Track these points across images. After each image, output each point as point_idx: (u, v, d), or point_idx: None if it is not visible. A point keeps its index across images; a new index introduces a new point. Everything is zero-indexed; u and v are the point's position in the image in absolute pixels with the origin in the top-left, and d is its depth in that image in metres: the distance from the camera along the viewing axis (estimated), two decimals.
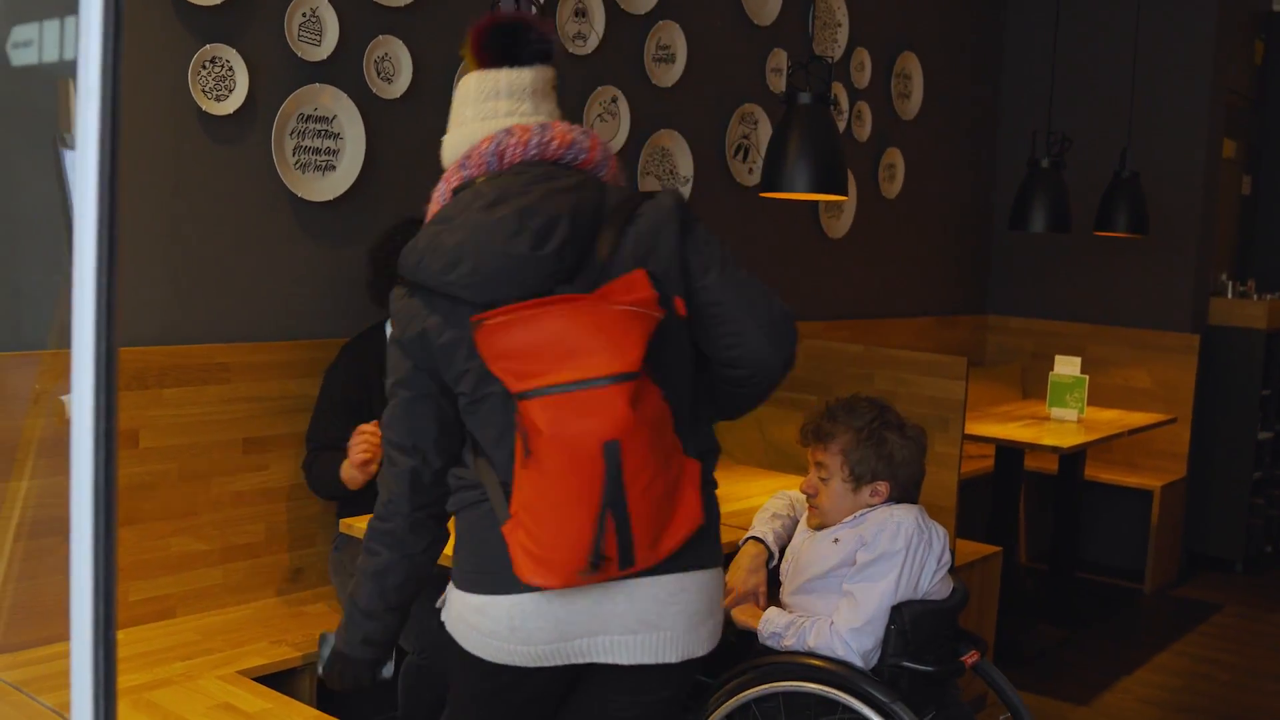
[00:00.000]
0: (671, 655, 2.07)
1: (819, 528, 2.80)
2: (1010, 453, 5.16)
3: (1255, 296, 6.49)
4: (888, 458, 2.69)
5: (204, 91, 3.22)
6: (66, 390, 2.46)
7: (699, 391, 2.11)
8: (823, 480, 2.76)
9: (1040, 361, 6.41)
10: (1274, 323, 6.33)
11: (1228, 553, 6.35)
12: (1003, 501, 5.20)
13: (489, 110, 2.16)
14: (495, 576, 2.02)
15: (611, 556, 1.91)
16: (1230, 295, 6.45)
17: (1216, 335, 6.28)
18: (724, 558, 2.18)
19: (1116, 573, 6.17)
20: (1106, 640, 5.25)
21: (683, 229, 2.05)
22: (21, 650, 2.91)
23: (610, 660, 2.07)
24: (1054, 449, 4.94)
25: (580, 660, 2.08)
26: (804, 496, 2.93)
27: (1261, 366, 6.25)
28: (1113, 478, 6.03)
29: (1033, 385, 6.49)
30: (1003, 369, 6.54)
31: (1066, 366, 5.45)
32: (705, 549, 2.09)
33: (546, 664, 2.06)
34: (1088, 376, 5.42)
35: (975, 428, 5.03)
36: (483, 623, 2.05)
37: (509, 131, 2.11)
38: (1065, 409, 5.39)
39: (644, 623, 2.04)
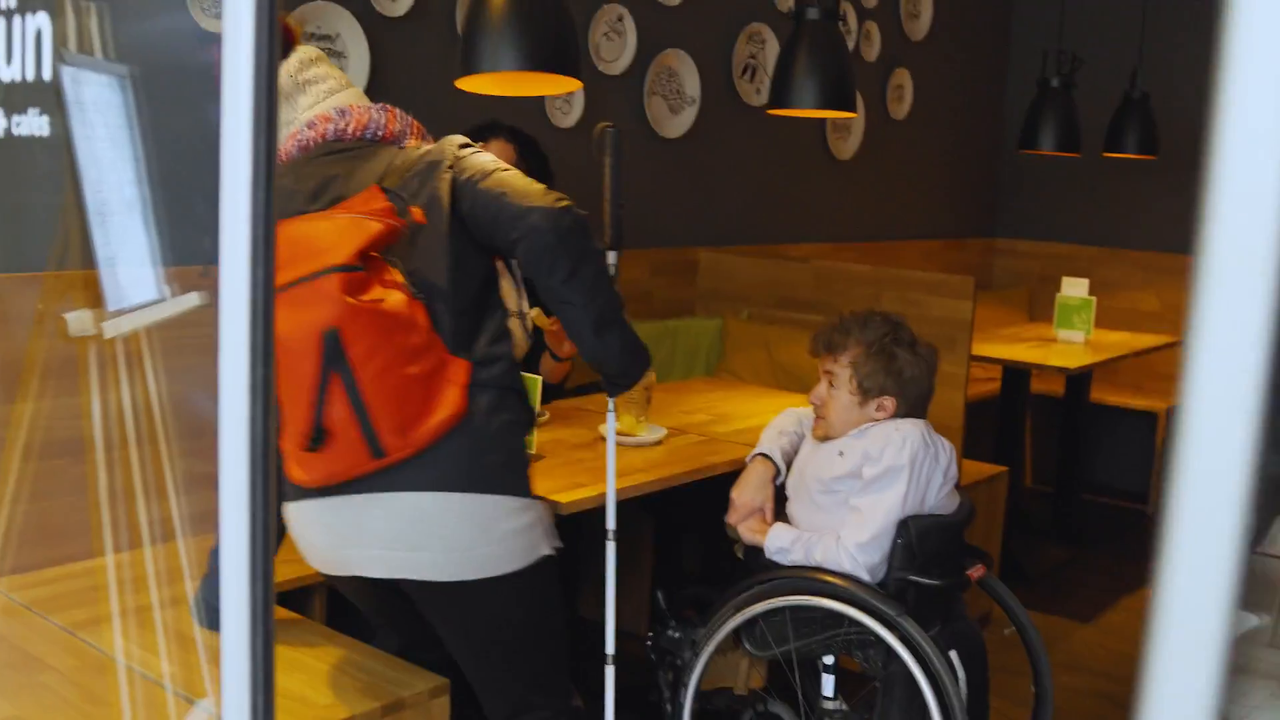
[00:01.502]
0: (431, 574, 2.15)
1: (824, 439, 2.80)
2: (1016, 373, 5.15)
3: None
4: (896, 373, 2.69)
5: (203, 9, 3.19)
6: (69, 309, 2.45)
7: (478, 300, 2.23)
8: (831, 390, 2.76)
9: (1048, 285, 6.39)
10: None
11: None
12: (1009, 422, 5.20)
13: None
14: (283, 483, 2.17)
15: (341, 435, 2.03)
16: None
17: None
18: (524, 487, 2.21)
19: (1121, 494, 6.18)
20: (1110, 560, 5.28)
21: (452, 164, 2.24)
22: (32, 571, 2.93)
23: (369, 574, 2.19)
24: (1060, 369, 4.93)
25: (350, 572, 2.21)
26: (812, 412, 2.93)
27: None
28: (1119, 400, 6.02)
29: (1040, 308, 6.47)
30: (1010, 292, 6.51)
31: (1074, 288, 5.43)
32: (480, 472, 2.15)
33: (333, 573, 2.23)
34: (1095, 298, 5.39)
35: (983, 349, 5.02)
36: (290, 530, 2.24)
37: (310, 125, 2.33)
38: (1072, 330, 5.38)
39: (400, 539, 2.14)
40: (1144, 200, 6.27)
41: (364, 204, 2.13)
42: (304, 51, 2.42)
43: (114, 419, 2.23)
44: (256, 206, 0.70)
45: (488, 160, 2.26)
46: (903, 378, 2.69)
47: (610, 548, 2.56)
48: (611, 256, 2.48)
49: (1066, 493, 5.53)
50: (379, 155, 2.29)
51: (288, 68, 2.39)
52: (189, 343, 2.35)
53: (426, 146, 2.31)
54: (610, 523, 2.54)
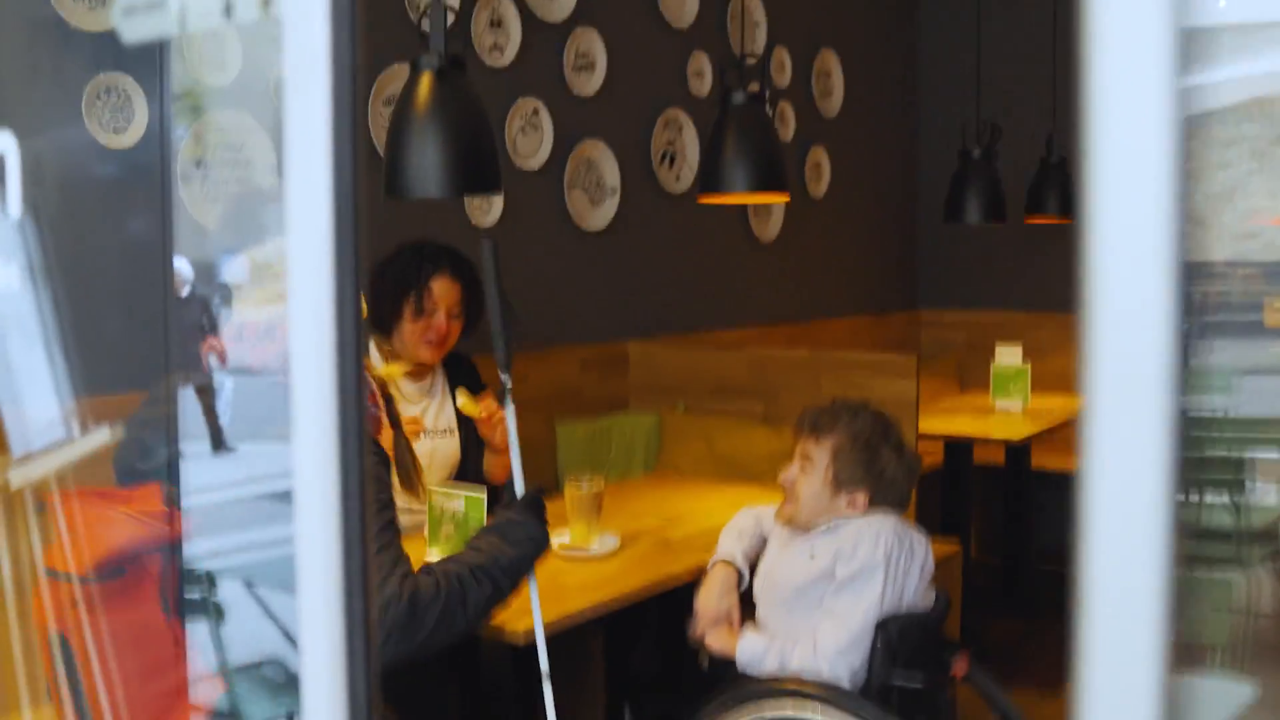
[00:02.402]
0: None
1: (787, 521, 2.66)
2: (959, 448, 5.07)
3: None
4: (877, 474, 2.56)
5: (101, 125, 3.02)
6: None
7: None
8: (803, 474, 2.62)
9: (976, 353, 6.34)
10: None
11: None
12: (954, 497, 5.11)
13: None
14: None
15: None
16: None
17: None
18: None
19: (1068, 559, 6.08)
20: (1067, 628, 5.17)
21: None
22: None
23: None
24: (1004, 442, 4.86)
25: None
26: (771, 511, 2.79)
27: None
28: (1060, 464, 5.96)
29: (970, 377, 6.41)
30: (939, 363, 6.45)
31: (1008, 356, 5.38)
32: None
33: None
34: (1030, 365, 5.34)
35: (922, 424, 4.93)
36: None
37: None
38: (1010, 399, 5.32)
39: None
40: (1065, 261, 6.23)
41: (131, 498, 1.95)
42: None
43: (26, 572, 2.04)
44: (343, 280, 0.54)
45: None
46: (882, 478, 2.57)
47: (546, 688, 2.35)
48: (506, 380, 2.34)
49: (1016, 563, 5.44)
50: None
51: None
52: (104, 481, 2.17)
53: None
54: (543, 664, 2.32)
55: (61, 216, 3.01)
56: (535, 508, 2.22)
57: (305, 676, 0.53)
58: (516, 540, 2.15)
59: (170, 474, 2.01)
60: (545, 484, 4.18)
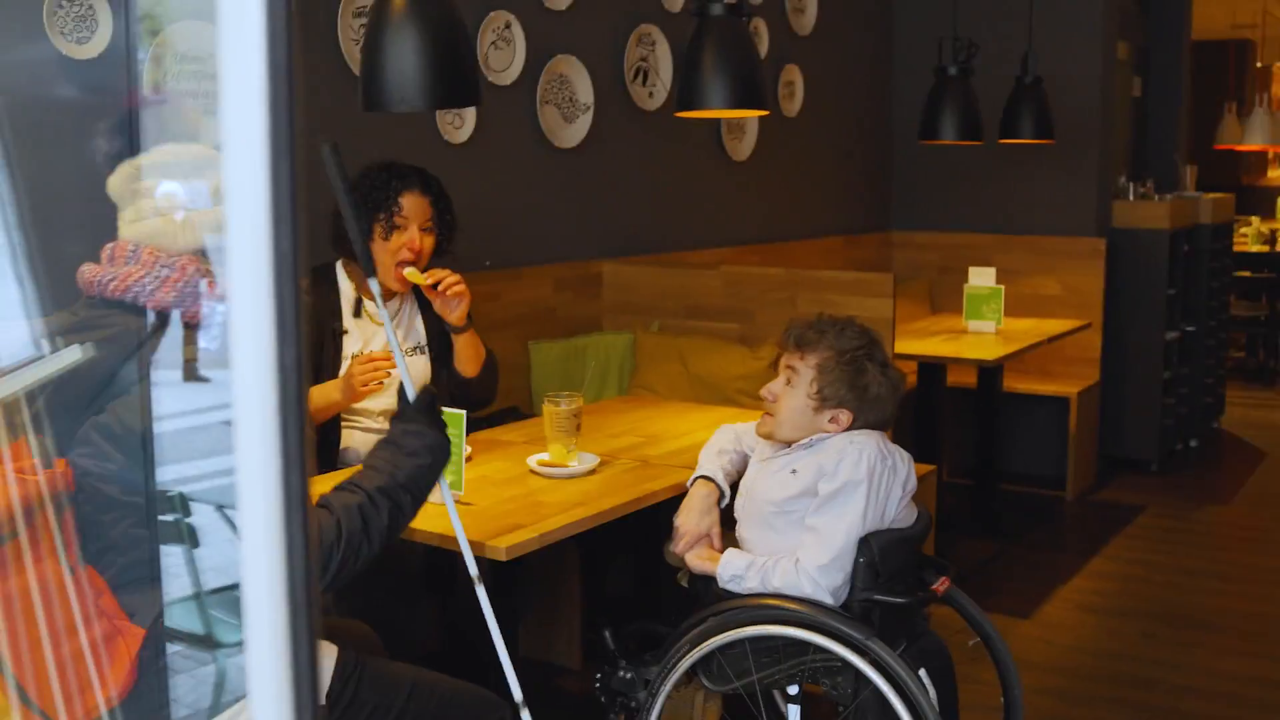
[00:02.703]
0: None
1: (767, 435, 2.63)
2: (932, 369, 5.06)
3: (1155, 197, 6.47)
4: (861, 389, 2.53)
5: (63, 33, 2.92)
6: None
7: None
8: (787, 387, 2.58)
9: (948, 275, 6.33)
10: (1176, 222, 6.32)
11: (1143, 454, 6.36)
12: (927, 418, 5.11)
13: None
14: None
15: None
16: (1132, 197, 6.41)
17: (1121, 238, 6.24)
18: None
19: (1036, 481, 6.14)
20: (1036, 551, 5.22)
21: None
22: None
23: None
24: (978, 362, 4.86)
25: None
26: (751, 429, 2.77)
27: (1166, 267, 6.24)
28: (1029, 387, 5.98)
29: (942, 299, 6.40)
30: (911, 284, 6.44)
31: (981, 278, 5.36)
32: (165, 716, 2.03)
33: None
34: (1003, 287, 5.33)
35: (896, 346, 4.92)
36: None
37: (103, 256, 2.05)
38: (983, 321, 5.31)
39: None
40: (1038, 184, 6.24)
41: (15, 457, 1.86)
42: (162, 152, 2.09)
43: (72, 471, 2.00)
44: (281, 257, 0.50)
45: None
46: (866, 395, 2.53)
47: (481, 591, 2.33)
48: (374, 285, 2.28)
49: (986, 485, 5.46)
50: (129, 336, 1.96)
51: (124, 169, 2.07)
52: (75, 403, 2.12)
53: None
54: (472, 569, 2.31)
55: (22, 130, 2.92)
56: (429, 412, 2.11)
57: (246, 598, 0.50)
58: (413, 451, 2.05)
59: (36, 425, 1.96)
60: (519, 404, 4.16)
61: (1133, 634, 4.26)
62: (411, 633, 2.86)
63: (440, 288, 3.10)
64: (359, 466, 2.09)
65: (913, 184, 6.67)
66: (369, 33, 2.55)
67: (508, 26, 4.16)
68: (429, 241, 3.17)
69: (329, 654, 2.16)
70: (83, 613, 1.89)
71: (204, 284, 1.99)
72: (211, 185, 2.12)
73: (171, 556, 2.00)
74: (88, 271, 2.03)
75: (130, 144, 2.18)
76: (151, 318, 1.97)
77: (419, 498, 2.06)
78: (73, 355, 1.93)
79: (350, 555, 1.93)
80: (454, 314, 3.16)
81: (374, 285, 2.17)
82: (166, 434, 1.96)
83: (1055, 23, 5.98)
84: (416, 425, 2.11)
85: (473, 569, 2.27)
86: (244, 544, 0.50)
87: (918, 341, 5.12)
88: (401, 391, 2.15)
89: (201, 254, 2.07)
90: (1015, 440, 6.28)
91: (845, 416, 2.54)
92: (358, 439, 3.18)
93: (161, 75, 3.12)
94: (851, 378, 2.52)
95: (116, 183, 2.08)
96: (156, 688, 1.96)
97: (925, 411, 5.11)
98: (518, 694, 2.14)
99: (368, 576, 2.83)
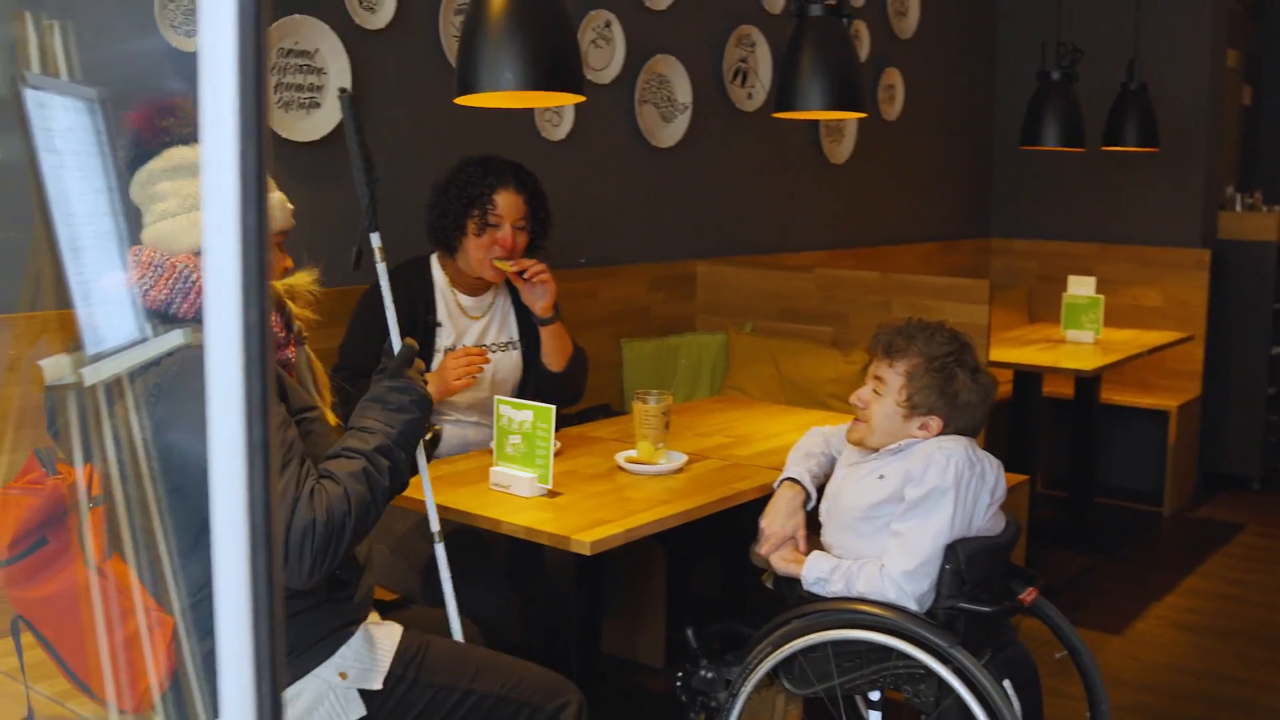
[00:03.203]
0: None
1: (858, 442, 2.62)
2: (1028, 378, 4.99)
3: (1264, 208, 6.32)
4: (951, 396, 2.50)
5: (173, 26, 3.00)
6: (44, 354, 2.25)
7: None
8: (876, 395, 2.57)
9: (1046, 284, 6.24)
10: None
11: (1245, 470, 6.21)
12: (1022, 428, 5.04)
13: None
14: None
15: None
16: (1239, 208, 6.27)
17: (1227, 250, 6.10)
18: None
19: (1134, 496, 6.03)
20: (1130, 566, 5.12)
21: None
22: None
23: None
24: (1074, 372, 4.78)
25: None
26: (840, 431, 2.75)
27: (1273, 280, 6.09)
28: (1128, 399, 5.88)
29: (1040, 308, 6.32)
30: (1009, 292, 6.36)
31: (1081, 287, 5.28)
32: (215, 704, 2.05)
33: None
34: (1103, 296, 5.25)
35: (991, 353, 4.87)
36: None
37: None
38: (1081, 330, 5.23)
39: None
40: (1144, 194, 6.13)
41: (22, 474, 1.94)
42: (166, 159, 2.09)
43: (98, 472, 2.05)
44: (246, 231, 0.53)
45: (190, 444, 1.92)
46: (956, 401, 2.50)
47: (439, 549, 2.46)
48: (375, 239, 2.27)
49: (1081, 497, 5.37)
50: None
51: (139, 175, 2.10)
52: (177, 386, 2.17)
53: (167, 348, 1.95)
54: (434, 525, 2.46)
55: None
56: (409, 364, 2.18)
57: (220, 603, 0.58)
58: (401, 406, 2.12)
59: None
60: (610, 401, 4.18)
61: (1227, 654, 4.16)
62: (494, 623, 2.89)
63: (526, 275, 3.14)
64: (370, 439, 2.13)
65: (1013, 190, 6.59)
66: (469, 16, 2.54)
67: (608, 25, 4.18)
68: (522, 239, 3.20)
69: (392, 634, 2.19)
70: (120, 604, 1.94)
71: (196, 278, 2.03)
72: (175, 197, 2.14)
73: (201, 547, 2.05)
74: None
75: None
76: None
77: (411, 453, 2.12)
78: (174, 340, 1.98)
79: (360, 521, 1.97)
80: (539, 303, 3.19)
81: (374, 240, 2.22)
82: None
83: (1162, 29, 5.87)
84: (401, 380, 2.17)
85: (434, 524, 2.42)
86: (213, 488, 0.54)
87: (1014, 350, 5.06)
88: (387, 349, 2.23)
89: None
90: (1113, 453, 6.17)
91: (935, 423, 2.52)
92: (448, 433, 3.21)
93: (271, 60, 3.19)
94: (941, 385, 2.49)
95: (135, 189, 2.10)
96: (196, 674, 2.02)
97: (1020, 421, 5.04)
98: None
99: (453, 567, 2.88)
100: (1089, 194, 6.31)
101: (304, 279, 2.29)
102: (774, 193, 5.11)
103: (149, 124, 2.12)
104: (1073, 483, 5.41)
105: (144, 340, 1.98)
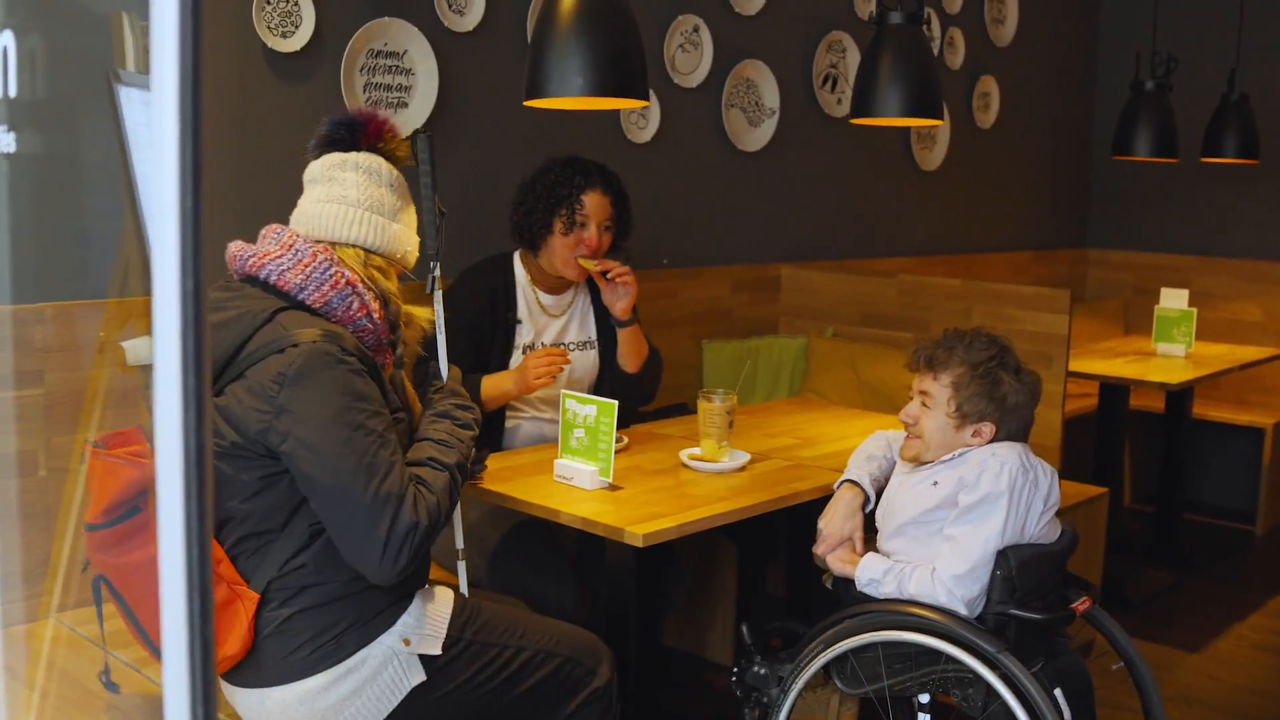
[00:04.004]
0: None
1: (913, 459, 2.64)
2: (1115, 390, 4.94)
3: None
4: (1000, 400, 2.52)
5: (269, 28, 3.12)
6: (127, 336, 2.37)
7: (277, 520, 2.11)
8: (925, 409, 2.60)
9: (1143, 296, 6.16)
10: None
11: None
12: (1107, 441, 4.99)
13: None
14: None
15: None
16: None
17: None
18: (340, 654, 2.14)
19: (1226, 514, 5.93)
20: (1217, 584, 5.04)
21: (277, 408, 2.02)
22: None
23: None
24: (1161, 385, 4.72)
25: None
26: (901, 437, 2.78)
27: None
28: (1221, 415, 5.78)
29: (1136, 320, 6.24)
30: (1104, 304, 6.29)
31: (1173, 300, 5.21)
32: (288, 667, 2.12)
33: None
34: (1195, 310, 5.17)
35: (1078, 364, 4.83)
36: None
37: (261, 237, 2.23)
38: (1172, 344, 5.16)
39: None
40: (1244, 206, 6.02)
41: (125, 442, 2.05)
42: (366, 158, 2.26)
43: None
44: (184, 214, 0.61)
45: (319, 433, 2.01)
46: (1005, 405, 2.52)
47: (461, 568, 2.63)
48: (435, 268, 2.36)
49: (1168, 513, 5.30)
50: (248, 318, 2.08)
51: (335, 157, 2.27)
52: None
53: (298, 340, 2.04)
54: (459, 542, 2.64)
55: (220, 115, 3.12)
56: (467, 385, 2.40)
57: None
58: (466, 424, 2.32)
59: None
60: (689, 401, 4.23)
61: None
62: (560, 613, 2.96)
63: (610, 275, 3.20)
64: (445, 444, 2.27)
65: (1111, 201, 6.51)
66: (539, 22, 2.63)
67: (696, 30, 4.24)
68: (606, 239, 3.26)
69: (446, 598, 2.29)
70: None
71: (333, 273, 2.13)
72: (390, 203, 2.27)
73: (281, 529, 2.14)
74: (235, 247, 2.21)
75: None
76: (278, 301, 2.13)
77: (467, 458, 2.28)
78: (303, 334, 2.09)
79: (439, 526, 2.12)
80: (619, 304, 3.25)
81: (434, 269, 2.35)
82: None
83: (1265, 39, 5.76)
84: (459, 399, 2.36)
85: (459, 542, 2.58)
86: (158, 442, 0.61)
87: (1101, 361, 5.01)
88: (434, 371, 2.37)
89: (351, 252, 2.22)
90: (1205, 469, 6.07)
91: (988, 429, 2.54)
92: (524, 430, 3.29)
93: (356, 69, 3.30)
94: (989, 390, 2.51)
95: (318, 167, 2.27)
96: (275, 651, 2.11)
97: (1106, 434, 4.99)
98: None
99: (521, 557, 2.96)
100: (1188, 206, 6.21)
101: (424, 313, 2.40)
102: (863, 198, 5.12)
103: (368, 123, 2.28)
104: (1161, 498, 5.34)
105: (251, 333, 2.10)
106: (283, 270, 2.13)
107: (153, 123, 0.61)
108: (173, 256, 0.61)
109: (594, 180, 3.24)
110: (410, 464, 2.16)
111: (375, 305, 2.19)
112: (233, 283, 2.19)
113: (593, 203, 3.22)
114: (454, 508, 2.22)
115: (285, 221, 2.26)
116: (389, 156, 2.30)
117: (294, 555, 2.10)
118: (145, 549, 2.01)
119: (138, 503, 2.00)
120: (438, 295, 2.39)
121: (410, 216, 2.32)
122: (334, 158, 2.26)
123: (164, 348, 0.62)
